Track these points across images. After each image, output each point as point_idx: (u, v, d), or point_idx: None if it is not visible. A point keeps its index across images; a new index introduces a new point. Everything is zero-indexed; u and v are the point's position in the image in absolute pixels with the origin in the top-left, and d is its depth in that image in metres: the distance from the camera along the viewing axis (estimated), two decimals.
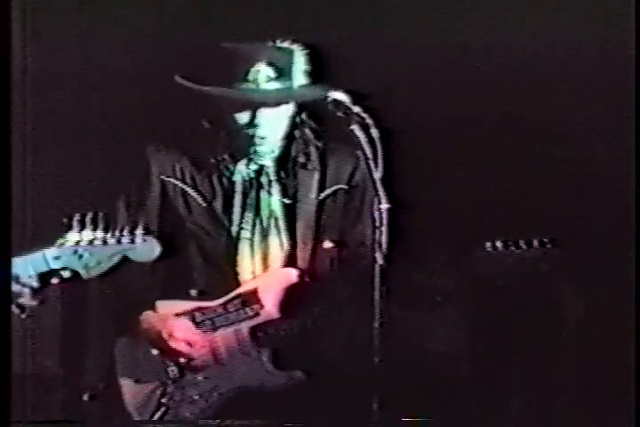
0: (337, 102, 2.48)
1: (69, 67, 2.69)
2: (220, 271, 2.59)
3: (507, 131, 2.70)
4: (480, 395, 2.71)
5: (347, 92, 2.51)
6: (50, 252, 2.44)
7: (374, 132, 2.50)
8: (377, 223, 2.48)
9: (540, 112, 2.75)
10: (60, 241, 2.49)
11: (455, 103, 2.66)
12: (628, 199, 2.79)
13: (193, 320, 2.53)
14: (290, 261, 2.56)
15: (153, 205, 2.57)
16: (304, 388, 2.58)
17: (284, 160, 2.61)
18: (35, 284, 2.48)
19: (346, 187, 2.56)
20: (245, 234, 2.58)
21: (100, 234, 2.47)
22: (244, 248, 2.57)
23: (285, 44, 2.58)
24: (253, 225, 2.57)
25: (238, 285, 2.57)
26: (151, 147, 2.58)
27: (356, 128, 2.47)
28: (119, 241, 2.44)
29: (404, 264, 2.58)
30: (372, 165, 2.48)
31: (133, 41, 2.66)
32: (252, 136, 2.56)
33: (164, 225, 2.59)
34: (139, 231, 2.49)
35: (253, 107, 2.58)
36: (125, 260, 2.50)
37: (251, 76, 2.59)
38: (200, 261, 2.58)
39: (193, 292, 2.58)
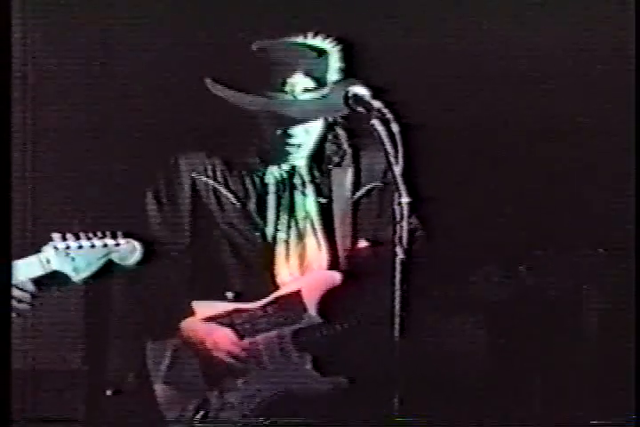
0: (357, 97, 2.40)
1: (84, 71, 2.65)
2: (255, 274, 2.56)
3: (525, 125, 2.75)
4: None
5: (367, 86, 2.43)
6: (43, 255, 2.44)
7: (394, 127, 2.41)
8: (398, 218, 2.40)
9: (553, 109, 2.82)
10: (49, 245, 2.46)
11: (473, 100, 2.71)
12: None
13: (231, 324, 2.48)
14: (330, 262, 2.54)
15: (184, 206, 2.52)
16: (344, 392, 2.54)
17: (317, 160, 2.61)
18: (30, 288, 2.44)
19: (380, 184, 2.57)
20: (281, 235, 2.56)
21: (87, 237, 2.44)
22: (280, 250, 2.54)
23: (318, 41, 2.58)
24: (289, 226, 2.56)
25: (275, 287, 2.53)
26: (182, 147, 2.57)
27: (376, 122, 2.38)
28: (105, 244, 2.43)
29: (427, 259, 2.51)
30: (393, 159, 2.39)
31: (159, 40, 2.62)
32: (286, 141, 2.56)
33: (196, 227, 2.55)
34: (120, 235, 2.47)
35: (288, 121, 2.56)
36: (110, 263, 2.48)
37: (288, 88, 2.58)
38: (235, 263, 2.54)
39: (229, 294, 2.55)
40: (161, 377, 2.51)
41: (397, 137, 2.34)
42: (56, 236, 2.44)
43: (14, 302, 2.44)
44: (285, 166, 2.58)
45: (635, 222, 2.84)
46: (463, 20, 2.77)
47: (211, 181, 2.55)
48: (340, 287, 2.51)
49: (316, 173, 2.59)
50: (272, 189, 2.58)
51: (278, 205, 2.57)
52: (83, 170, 2.66)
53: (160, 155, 2.62)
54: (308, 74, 2.57)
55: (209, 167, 2.56)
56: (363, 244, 2.56)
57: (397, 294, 2.27)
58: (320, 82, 2.58)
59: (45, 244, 2.46)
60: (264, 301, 2.51)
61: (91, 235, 2.45)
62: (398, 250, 2.29)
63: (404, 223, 2.25)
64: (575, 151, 2.88)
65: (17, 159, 2.65)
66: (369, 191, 2.58)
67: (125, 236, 2.47)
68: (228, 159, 2.57)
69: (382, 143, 2.32)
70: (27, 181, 2.63)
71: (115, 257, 2.45)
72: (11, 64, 2.66)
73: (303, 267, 2.54)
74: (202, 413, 2.49)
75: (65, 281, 2.45)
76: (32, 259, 2.43)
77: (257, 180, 2.57)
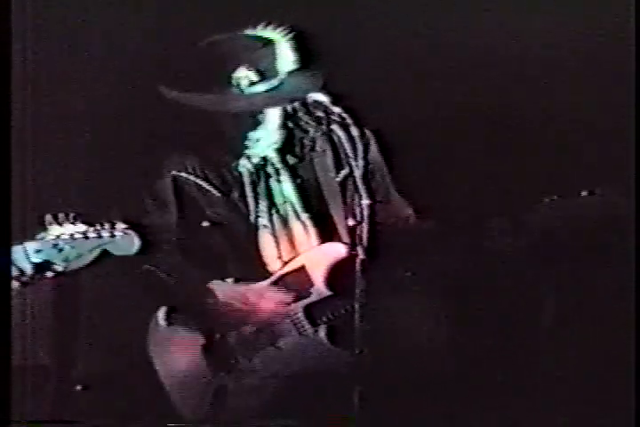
0: (317, 103, 2.56)
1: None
2: (248, 260, 2.61)
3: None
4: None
5: (327, 93, 2.58)
6: (30, 245, 2.45)
7: (354, 131, 2.55)
8: (358, 218, 2.53)
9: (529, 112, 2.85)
10: (41, 235, 2.52)
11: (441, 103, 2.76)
12: None
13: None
14: (325, 239, 2.57)
15: (169, 200, 2.62)
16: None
17: (286, 148, 2.66)
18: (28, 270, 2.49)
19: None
20: (262, 221, 2.61)
21: (80, 228, 2.49)
22: (263, 235, 2.60)
23: (267, 32, 2.59)
24: (270, 213, 2.61)
25: (267, 272, 2.57)
26: (164, 147, 2.65)
27: (335, 127, 2.55)
28: (99, 235, 2.46)
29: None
30: (353, 162, 2.56)
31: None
32: (245, 136, 2.63)
33: (183, 219, 2.66)
34: (119, 226, 2.52)
35: (244, 114, 2.63)
36: (105, 253, 2.52)
37: (234, 82, 2.63)
38: (229, 251, 2.61)
39: (229, 280, 2.61)
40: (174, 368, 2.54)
41: (357, 141, 2.51)
42: (51, 227, 2.50)
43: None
44: (255, 159, 2.64)
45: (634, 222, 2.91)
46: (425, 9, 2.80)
47: (192, 177, 2.62)
48: (346, 260, 2.53)
49: (291, 160, 2.63)
50: (247, 180, 2.63)
51: (255, 194, 2.62)
52: (82, 161, 2.73)
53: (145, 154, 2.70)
54: (252, 66, 2.60)
55: (188, 164, 2.63)
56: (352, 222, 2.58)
57: (358, 292, 2.47)
58: (267, 74, 2.61)
59: (28, 236, 2.52)
60: (270, 279, 2.56)
61: (86, 226, 2.50)
62: (359, 249, 2.48)
63: (364, 224, 2.45)
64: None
65: (16, 152, 2.71)
66: (351, 171, 2.61)
67: (125, 225, 2.53)
68: (202, 157, 2.64)
69: (343, 147, 2.52)
70: (27, 172, 2.69)
71: (110, 248, 2.49)
72: (10, 63, 2.74)
73: (293, 250, 2.57)
74: (219, 401, 2.51)
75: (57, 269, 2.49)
76: (20, 247, 2.47)
77: (233, 173, 2.64)
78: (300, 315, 2.52)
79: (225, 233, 2.63)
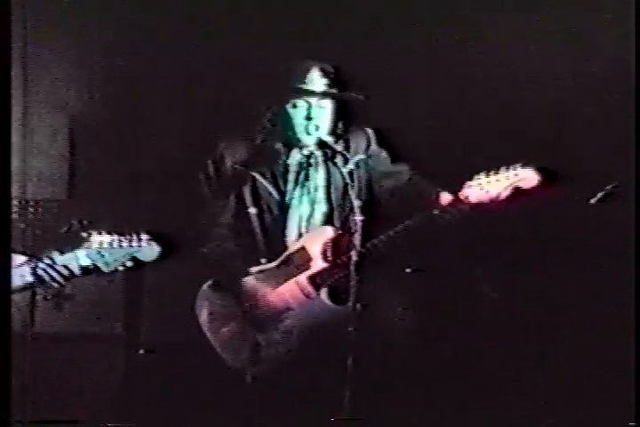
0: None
1: None
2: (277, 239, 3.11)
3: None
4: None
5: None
6: (80, 252, 2.93)
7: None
8: (352, 230, 3.06)
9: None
10: (87, 244, 2.94)
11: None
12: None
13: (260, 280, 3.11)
14: (328, 222, 3.10)
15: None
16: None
17: (325, 147, 3.12)
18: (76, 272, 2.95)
19: (364, 157, 3.09)
20: (295, 202, 3.10)
21: (115, 238, 2.94)
22: (293, 216, 3.09)
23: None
24: (301, 195, 3.10)
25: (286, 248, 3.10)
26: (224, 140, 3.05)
27: (338, 160, 3.10)
28: (130, 244, 2.94)
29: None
30: (350, 185, 3.08)
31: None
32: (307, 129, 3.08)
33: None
34: (144, 237, 2.95)
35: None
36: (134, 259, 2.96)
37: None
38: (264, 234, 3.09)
39: (263, 261, 3.10)
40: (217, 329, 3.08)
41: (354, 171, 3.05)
42: (93, 237, 2.94)
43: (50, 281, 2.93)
44: (305, 152, 3.09)
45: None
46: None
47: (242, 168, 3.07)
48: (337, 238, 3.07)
49: (329, 152, 3.10)
50: (293, 168, 3.10)
51: (296, 180, 3.10)
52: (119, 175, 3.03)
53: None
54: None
55: (238, 155, 3.07)
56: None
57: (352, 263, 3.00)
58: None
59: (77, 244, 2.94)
60: (279, 260, 3.09)
61: (120, 237, 2.94)
62: (352, 253, 3.05)
63: (357, 235, 3.01)
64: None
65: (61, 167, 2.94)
66: (357, 164, 3.12)
67: (151, 236, 2.96)
68: (258, 146, 3.07)
69: (342, 174, 3.06)
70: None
71: (137, 255, 2.95)
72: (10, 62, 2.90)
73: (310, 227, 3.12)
74: (256, 351, 3.08)
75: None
76: (71, 254, 2.93)
77: (281, 162, 3.09)
78: (306, 283, 3.07)
79: (264, 218, 3.09)
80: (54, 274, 2.91)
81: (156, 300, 3.09)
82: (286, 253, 3.09)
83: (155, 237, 2.96)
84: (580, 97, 3.12)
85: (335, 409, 3.06)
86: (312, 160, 3.10)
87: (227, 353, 3.08)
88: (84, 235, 2.94)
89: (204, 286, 3.07)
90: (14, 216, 2.98)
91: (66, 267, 2.90)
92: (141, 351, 3.08)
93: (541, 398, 3.17)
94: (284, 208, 3.09)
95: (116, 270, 2.94)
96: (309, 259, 3.06)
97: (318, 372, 3.06)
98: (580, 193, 3.09)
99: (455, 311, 3.13)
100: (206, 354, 3.07)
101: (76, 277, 2.93)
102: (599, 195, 3.07)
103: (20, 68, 2.94)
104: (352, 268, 3.04)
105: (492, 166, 3.02)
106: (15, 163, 2.96)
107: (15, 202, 2.97)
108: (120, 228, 2.97)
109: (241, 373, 3.08)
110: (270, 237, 3.09)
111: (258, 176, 3.06)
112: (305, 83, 3.04)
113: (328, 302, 3.07)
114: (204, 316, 3.06)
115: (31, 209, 2.99)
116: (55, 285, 2.94)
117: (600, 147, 3.10)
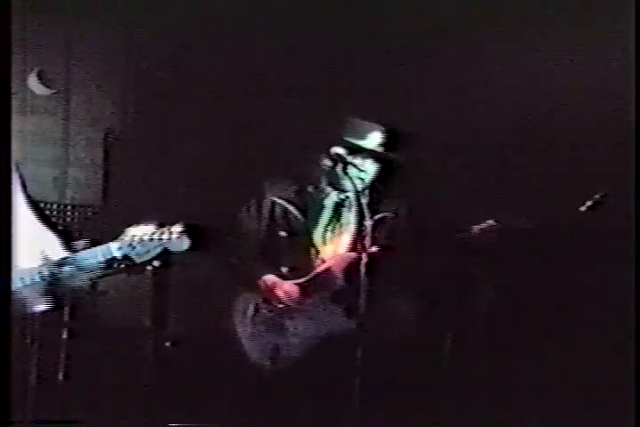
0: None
1: None
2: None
3: None
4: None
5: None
6: (113, 244, 3.00)
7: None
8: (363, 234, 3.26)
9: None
10: (121, 236, 3.03)
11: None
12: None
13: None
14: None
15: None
16: None
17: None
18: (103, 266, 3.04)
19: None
20: (327, 235, 3.39)
21: (149, 230, 3.01)
22: (320, 244, 3.39)
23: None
24: (333, 229, 3.40)
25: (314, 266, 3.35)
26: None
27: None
28: (161, 238, 2.99)
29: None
30: (361, 195, 3.26)
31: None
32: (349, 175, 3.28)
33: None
34: (174, 229, 3.02)
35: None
36: (166, 250, 3.05)
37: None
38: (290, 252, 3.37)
39: (284, 269, 3.32)
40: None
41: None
42: (127, 230, 3.03)
43: (77, 281, 3.00)
44: (342, 195, 3.37)
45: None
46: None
47: (282, 201, 3.35)
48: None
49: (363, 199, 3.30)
50: (329, 206, 3.39)
51: (331, 217, 3.39)
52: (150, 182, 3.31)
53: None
54: None
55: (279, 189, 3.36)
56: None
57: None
58: None
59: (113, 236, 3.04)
60: (307, 277, 3.31)
61: (154, 229, 3.02)
62: (363, 256, 3.18)
63: (367, 239, 3.17)
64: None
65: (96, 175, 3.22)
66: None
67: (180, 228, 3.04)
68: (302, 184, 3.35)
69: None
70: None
71: (168, 247, 3.01)
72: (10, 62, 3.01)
73: (334, 253, 3.36)
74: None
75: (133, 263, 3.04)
76: (104, 246, 3.00)
77: (319, 200, 3.38)
78: (326, 298, 3.32)
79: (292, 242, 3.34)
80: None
81: (182, 296, 3.31)
82: (314, 272, 3.33)
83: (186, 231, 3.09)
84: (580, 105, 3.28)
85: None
86: (346, 202, 3.37)
87: (252, 351, 3.33)
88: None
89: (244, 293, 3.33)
90: (53, 219, 3.25)
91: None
92: (167, 344, 3.29)
93: (541, 398, 3.27)
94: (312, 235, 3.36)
95: (148, 262, 3.06)
96: (332, 278, 3.32)
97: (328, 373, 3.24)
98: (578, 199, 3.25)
99: (458, 311, 3.29)
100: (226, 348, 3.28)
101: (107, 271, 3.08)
102: (588, 203, 3.20)
103: (64, 87, 3.26)
104: (362, 269, 3.19)
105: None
106: (56, 172, 3.26)
107: (55, 206, 3.26)
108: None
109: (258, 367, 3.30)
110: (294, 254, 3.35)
111: (292, 208, 3.34)
112: (363, 139, 3.27)
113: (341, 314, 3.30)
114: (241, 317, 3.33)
115: (69, 213, 3.27)
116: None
117: (598, 153, 3.27)
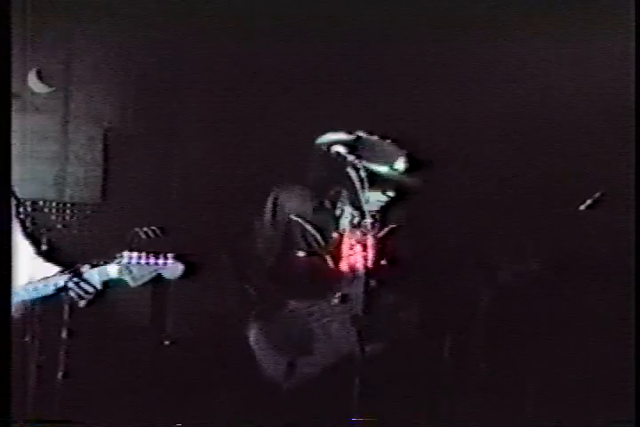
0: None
1: None
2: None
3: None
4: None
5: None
6: (110, 267, 3.20)
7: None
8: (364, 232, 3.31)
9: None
10: (117, 259, 3.22)
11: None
12: None
13: None
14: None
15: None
16: None
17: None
18: (99, 287, 3.24)
19: None
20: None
21: (144, 255, 3.21)
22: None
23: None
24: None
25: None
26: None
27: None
28: (156, 262, 3.18)
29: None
30: (360, 193, 3.28)
31: None
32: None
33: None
34: (169, 255, 3.22)
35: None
36: (159, 276, 3.22)
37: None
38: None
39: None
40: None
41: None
42: (124, 254, 3.20)
43: (77, 296, 3.21)
44: (356, 213, 3.33)
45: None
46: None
47: (300, 220, 3.32)
48: None
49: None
50: (345, 223, 3.35)
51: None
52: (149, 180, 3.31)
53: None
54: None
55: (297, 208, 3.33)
56: None
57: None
58: None
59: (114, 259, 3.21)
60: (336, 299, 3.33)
61: (148, 255, 3.20)
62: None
63: (370, 237, 3.24)
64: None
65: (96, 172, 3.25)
66: None
67: (175, 257, 3.23)
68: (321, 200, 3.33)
69: (354, 184, 3.23)
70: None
71: (163, 273, 3.20)
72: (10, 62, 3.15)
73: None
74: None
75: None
76: (101, 269, 3.21)
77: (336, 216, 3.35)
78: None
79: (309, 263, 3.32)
80: (84, 287, 3.18)
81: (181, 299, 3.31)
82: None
83: (178, 257, 3.23)
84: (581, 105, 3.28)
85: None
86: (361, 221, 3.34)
87: (267, 368, 3.33)
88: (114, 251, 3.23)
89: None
90: (52, 217, 3.25)
91: (90, 283, 3.17)
92: (166, 343, 3.27)
93: (542, 398, 3.27)
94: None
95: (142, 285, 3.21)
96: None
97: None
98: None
99: (457, 311, 3.30)
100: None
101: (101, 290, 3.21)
102: (588, 202, 3.22)
103: (63, 83, 3.26)
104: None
105: None
106: (55, 169, 3.26)
107: (54, 204, 3.25)
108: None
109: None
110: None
111: (309, 227, 3.31)
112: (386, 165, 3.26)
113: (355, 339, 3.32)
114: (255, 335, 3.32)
115: (68, 211, 3.26)
116: (84, 296, 3.21)
117: (598, 153, 3.28)
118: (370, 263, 3.27)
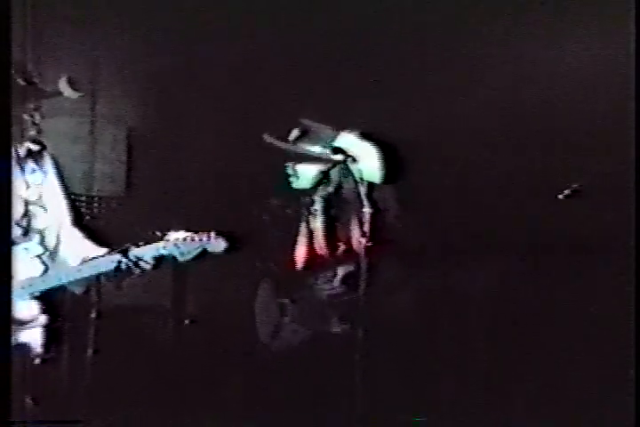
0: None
1: None
2: None
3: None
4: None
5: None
6: (160, 244, 3.58)
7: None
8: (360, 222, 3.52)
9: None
10: (166, 237, 3.59)
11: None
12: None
13: None
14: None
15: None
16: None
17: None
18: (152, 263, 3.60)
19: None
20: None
21: (189, 234, 3.57)
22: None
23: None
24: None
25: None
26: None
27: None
28: (201, 239, 3.54)
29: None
30: (359, 182, 3.49)
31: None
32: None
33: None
34: (212, 233, 3.54)
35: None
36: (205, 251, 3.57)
37: None
38: None
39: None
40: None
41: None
42: (172, 233, 3.58)
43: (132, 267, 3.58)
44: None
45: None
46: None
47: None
48: None
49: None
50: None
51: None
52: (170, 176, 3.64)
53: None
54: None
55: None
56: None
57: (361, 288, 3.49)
58: None
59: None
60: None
61: (192, 233, 3.56)
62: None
63: (366, 226, 3.44)
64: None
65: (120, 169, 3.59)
66: None
67: (217, 234, 3.57)
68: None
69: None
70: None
71: (207, 248, 3.53)
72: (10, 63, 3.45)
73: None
74: None
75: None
76: (153, 245, 3.57)
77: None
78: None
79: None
80: (140, 264, 3.55)
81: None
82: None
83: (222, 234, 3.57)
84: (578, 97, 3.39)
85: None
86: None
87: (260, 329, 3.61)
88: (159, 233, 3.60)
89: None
90: (82, 210, 3.60)
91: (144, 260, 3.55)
92: (186, 322, 3.59)
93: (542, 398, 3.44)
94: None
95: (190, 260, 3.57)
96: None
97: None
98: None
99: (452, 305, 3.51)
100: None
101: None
102: (566, 192, 3.34)
103: (91, 90, 3.59)
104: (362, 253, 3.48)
105: None
106: (84, 167, 3.60)
107: (83, 198, 3.60)
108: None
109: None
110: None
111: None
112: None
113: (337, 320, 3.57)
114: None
115: (95, 204, 3.61)
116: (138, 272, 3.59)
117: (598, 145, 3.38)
118: (356, 244, 3.49)
